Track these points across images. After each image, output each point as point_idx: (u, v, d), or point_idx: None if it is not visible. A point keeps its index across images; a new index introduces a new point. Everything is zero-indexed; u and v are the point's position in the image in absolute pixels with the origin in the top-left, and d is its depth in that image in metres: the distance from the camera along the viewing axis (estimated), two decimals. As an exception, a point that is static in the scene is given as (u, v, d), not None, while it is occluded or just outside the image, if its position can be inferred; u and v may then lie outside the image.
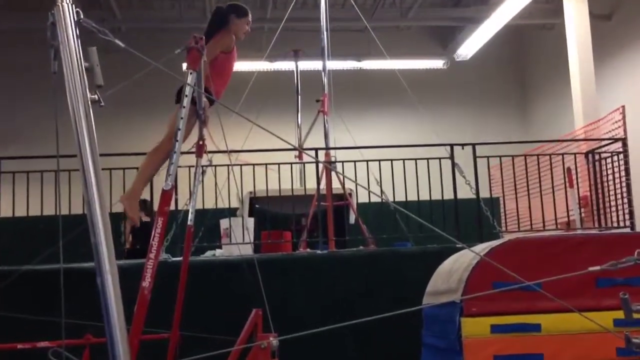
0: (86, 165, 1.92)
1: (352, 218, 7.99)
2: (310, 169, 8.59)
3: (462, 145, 7.26)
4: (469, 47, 13.95)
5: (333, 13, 9.74)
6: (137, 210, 4.17)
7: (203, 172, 6.02)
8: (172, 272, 4.47)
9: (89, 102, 1.98)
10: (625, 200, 7.92)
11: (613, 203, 8.16)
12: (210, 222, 7.05)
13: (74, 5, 2.03)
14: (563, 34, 11.97)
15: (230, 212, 7.07)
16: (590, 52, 11.52)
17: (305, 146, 8.99)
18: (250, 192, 7.72)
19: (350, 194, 7.86)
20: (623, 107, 8.95)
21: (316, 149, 7.33)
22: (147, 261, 2.93)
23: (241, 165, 6.93)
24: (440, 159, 7.17)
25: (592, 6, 11.89)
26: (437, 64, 15.02)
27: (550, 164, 7.81)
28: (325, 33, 8.33)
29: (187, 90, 3.20)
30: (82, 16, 2.07)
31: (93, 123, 1.97)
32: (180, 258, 4.90)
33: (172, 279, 4.35)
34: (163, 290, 3.71)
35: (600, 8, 12.79)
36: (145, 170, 4.24)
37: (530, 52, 16.22)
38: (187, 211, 4.65)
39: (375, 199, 7.35)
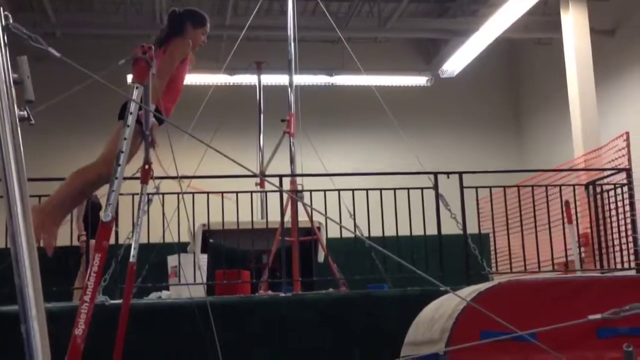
0: (11, 192, 1.89)
1: (321, 256, 7.98)
2: (274, 199, 8.59)
3: (448, 173, 7.32)
4: (456, 62, 14.15)
5: (302, 21, 9.82)
6: (50, 233, 3.99)
7: (149, 201, 5.98)
8: (111, 317, 4.41)
9: (17, 120, 1.96)
10: (630, 238, 8.03)
11: (616, 242, 8.27)
12: (156, 259, 6.98)
13: (1, 8, 2.02)
14: (561, 49, 12.22)
15: (180, 248, 7.01)
16: (591, 71, 11.76)
17: (267, 172, 8.98)
18: (204, 225, 7.67)
19: (319, 228, 7.86)
20: (627, 133, 9.13)
21: (280, 176, 7.33)
22: (80, 305, 2.89)
23: (193, 193, 6.89)
24: (422, 189, 7.21)
25: (594, 20, 12.17)
26: (420, 80, 15.23)
27: (547, 196, 7.90)
28: (292, 44, 8.39)
29: (132, 107, 3.19)
30: (10, 20, 2.06)
31: (21, 143, 1.95)
32: (120, 301, 4.84)
33: (110, 325, 4.29)
34: (99, 339, 3.66)
35: (602, 22, 13.09)
36: (65, 188, 4.11)
37: (525, 70, 16.52)
38: (129, 246, 4.60)
39: (347, 234, 7.32)
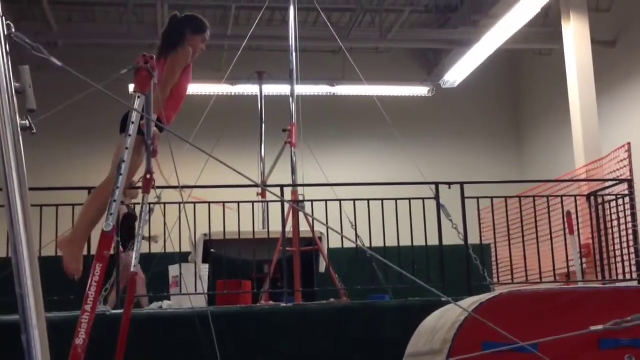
0: (13, 201, 1.89)
1: (322, 266, 7.97)
2: (275, 209, 8.57)
3: (449, 184, 7.32)
4: (457, 73, 14.17)
5: (303, 31, 9.85)
6: (78, 260, 4.06)
7: (150, 211, 5.98)
8: (112, 327, 4.40)
9: (19, 129, 1.96)
10: (632, 249, 8.02)
11: (618, 252, 8.26)
12: (157, 269, 6.97)
13: (4, 18, 2.02)
14: (562, 60, 12.23)
15: (181, 258, 7.01)
16: (592, 81, 11.77)
17: (269, 182, 8.98)
18: (205, 235, 7.67)
19: (320, 239, 7.85)
20: (629, 144, 9.14)
21: (282, 186, 7.33)
22: (81, 314, 2.88)
23: (195, 203, 6.89)
24: (424, 199, 7.21)
25: (595, 31, 12.18)
26: (421, 91, 15.23)
27: (548, 207, 7.89)
28: (294, 54, 8.40)
29: (134, 117, 3.19)
30: (13, 29, 2.06)
31: (22, 152, 1.95)
32: (121, 310, 4.83)
33: (111, 335, 4.28)
34: (100, 349, 3.64)
35: (603, 33, 13.11)
36: (88, 213, 4.16)
37: (526, 80, 16.54)
38: (131, 256, 4.60)
39: (349, 244, 7.34)
